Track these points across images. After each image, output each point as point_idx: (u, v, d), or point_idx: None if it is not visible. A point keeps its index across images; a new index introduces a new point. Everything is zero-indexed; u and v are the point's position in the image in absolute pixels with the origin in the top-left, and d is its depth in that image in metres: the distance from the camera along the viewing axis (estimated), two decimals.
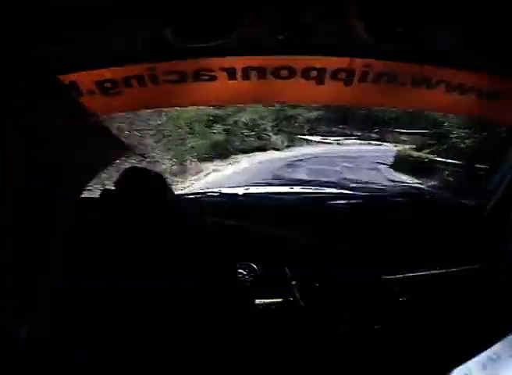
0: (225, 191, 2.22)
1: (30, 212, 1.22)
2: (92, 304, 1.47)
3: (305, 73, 1.67)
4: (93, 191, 1.76)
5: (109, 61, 1.60)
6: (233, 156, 11.86)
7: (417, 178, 9.61)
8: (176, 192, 2.34)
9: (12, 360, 1.25)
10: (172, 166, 9.37)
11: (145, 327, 1.48)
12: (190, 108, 9.04)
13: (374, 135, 14.18)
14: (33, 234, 1.24)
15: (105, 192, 1.52)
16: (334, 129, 14.19)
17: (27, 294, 1.31)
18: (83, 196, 1.50)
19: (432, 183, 9.16)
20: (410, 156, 11.08)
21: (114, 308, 1.47)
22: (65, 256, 1.37)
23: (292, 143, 13.77)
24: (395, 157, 11.52)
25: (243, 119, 12.17)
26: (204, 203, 2.13)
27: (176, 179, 8.93)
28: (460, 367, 1.03)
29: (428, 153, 10.61)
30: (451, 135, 9.41)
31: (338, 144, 13.72)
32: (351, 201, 2.20)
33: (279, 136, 13.39)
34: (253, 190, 2.27)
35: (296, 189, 2.41)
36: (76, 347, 1.42)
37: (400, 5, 1.27)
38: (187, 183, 9.03)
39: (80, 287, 1.46)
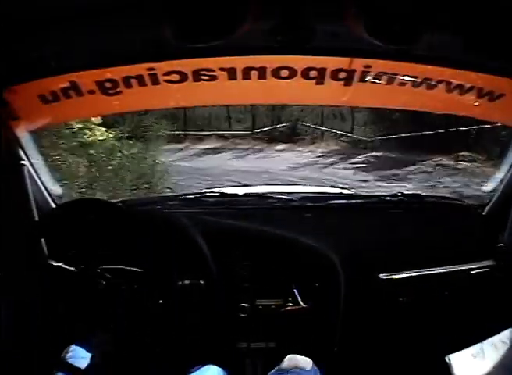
0: (225, 191, 2.22)
1: None
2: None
3: (305, 73, 1.67)
4: None
5: (109, 61, 1.60)
6: None
7: None
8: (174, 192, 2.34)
9: None
10: None
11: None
12: None
13: None
14: None
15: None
16: None
17: None
18: None
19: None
20: None
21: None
22: None
23: None
24: None
25: None
26: (204, 203, 2.13)
27: None
28: (475, 346, 1.06)
29: None
30: None
31: None
32: (351, 201, 2.20)
33: None
34: (253, 190, 2.27)
35: (297, 189, 2.41)
36: None
37: (401, 5, 1.27)
38: None
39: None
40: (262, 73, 1.66)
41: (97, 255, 1.66)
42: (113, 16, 1.34)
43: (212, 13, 1.26)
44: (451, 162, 10.56)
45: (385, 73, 1.68)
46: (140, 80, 1.66)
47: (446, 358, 1.37)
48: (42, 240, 1.74)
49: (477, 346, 1.28)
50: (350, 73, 1.66)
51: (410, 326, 1.91)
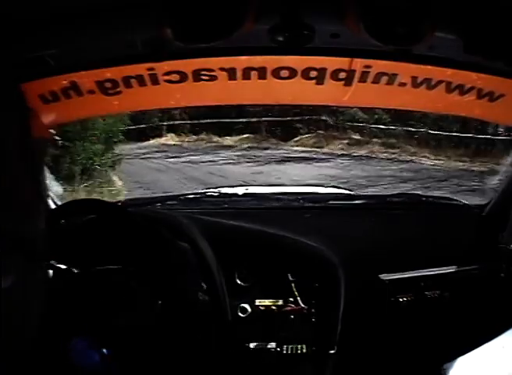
0: (225, 190, 2.22)
1: None
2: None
3: (305, 73, 1.67)
4: None
5: (109, 61, 1.60)
6: None
7: None
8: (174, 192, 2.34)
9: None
10: None
11: None
12: None
13: None
14: None
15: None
16: None
17: None
18: None
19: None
20: None
21: None
22: None
23: None
24: None
25: None
26: (204, 203, 2.13)
27: None
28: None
29: None
30: None
31: None
32: (351, 201, 2.20)
33: None
34: (253, 190, 2.27)
35: (297, 189, 2.41)
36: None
37: (401, 5, 1.27)
38: None
39: None
40: (262, 73, 1.66)
41: (97, 255, 1.66)
42: (113, 16, 1.34)
43: (212, 13, 1.26)
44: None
45: (385, 73, 1.68)
46: (140, 80, 1.66)
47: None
48: (42, 240, 1.73)
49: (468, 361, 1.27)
50: (350, 73, 1.66)
51: (410, 327, 1.91)
